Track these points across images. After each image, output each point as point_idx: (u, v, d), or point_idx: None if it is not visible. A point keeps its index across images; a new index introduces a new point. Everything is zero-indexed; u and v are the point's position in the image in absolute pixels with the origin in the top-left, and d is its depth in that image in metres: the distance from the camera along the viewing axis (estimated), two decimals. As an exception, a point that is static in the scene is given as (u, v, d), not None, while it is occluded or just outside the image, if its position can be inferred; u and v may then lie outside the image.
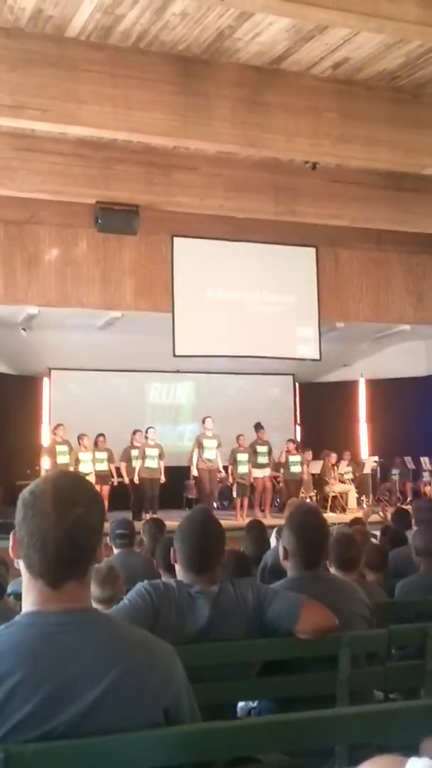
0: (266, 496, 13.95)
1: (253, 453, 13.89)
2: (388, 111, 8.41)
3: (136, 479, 13.09)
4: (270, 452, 14.00)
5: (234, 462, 13.55)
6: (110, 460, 13.43)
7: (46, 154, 9.64)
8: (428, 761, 1.08)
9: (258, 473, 13.84)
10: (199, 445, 13.19)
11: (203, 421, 13.55)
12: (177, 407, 16.84)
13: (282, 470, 14.20)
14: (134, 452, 13.43)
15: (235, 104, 7.94)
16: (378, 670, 2.98)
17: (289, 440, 14.30)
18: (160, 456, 13.28)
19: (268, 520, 10.69)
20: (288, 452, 14.13)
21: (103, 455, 13.37)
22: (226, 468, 13.74)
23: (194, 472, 13.29)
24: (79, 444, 13.12)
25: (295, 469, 14.05)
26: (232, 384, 16.61)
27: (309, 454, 14.88)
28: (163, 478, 13.31)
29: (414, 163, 8.81)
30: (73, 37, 7.34)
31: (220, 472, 13.59)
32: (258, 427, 14.42)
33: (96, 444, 13.39)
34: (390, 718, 2.01)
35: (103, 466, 13.30)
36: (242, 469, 13.49)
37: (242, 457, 13.54)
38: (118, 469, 13.51)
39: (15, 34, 7.20)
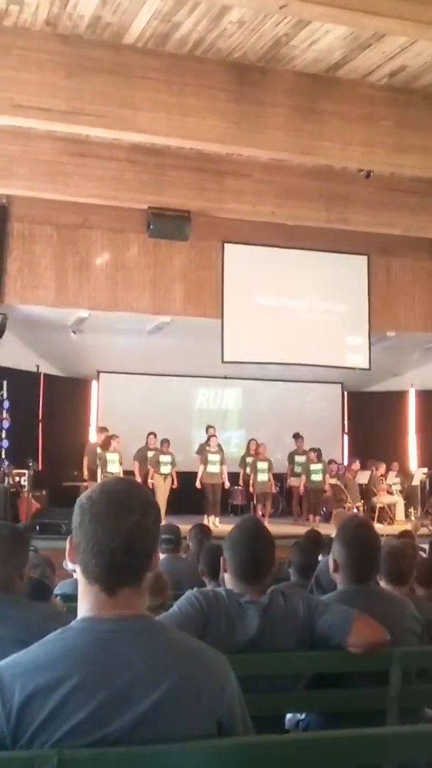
0: (303, 503, 14.38)
1: (291, 462, 14.61)
2: (445, 120, 8.34)
3: (150, 482, 13.14)
4: (308, 463, 14.26)
5: (254, 471, 13.87)
6: (172, 464, 13.54)
7: (99, 160, 9.76)
8: None
9: (294, 482, 14.44)
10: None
11: (206, 431, 13.98)
12: (224, 413, 16.83)
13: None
14: (149, 453, 13.57)
15: (289, 112, 7.94)
16: (429, 688, 2.92)
17: (311, 449, 14.30)
18: (222, 462, 13.46)
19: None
20: (310, 461, 14.23)
21: (168, 458, 13.49)
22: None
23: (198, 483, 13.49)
24: (162, 448, 13.39)
25: (316, 477, 14.14)
26: (280, 391, 16.56)
27: (357, 464, 14.79)
28: (227, 483, 13.61)
29: (470, 172, 8.72)
30: (130, 44, 7.41)
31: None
32: (296, 436, 14.56)
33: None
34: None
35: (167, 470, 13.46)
36: (262, 477, 13.87)
37: (262, 465, 13.93)
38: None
39: (72, 41, 7.29)
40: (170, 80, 7.59)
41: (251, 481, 13.88)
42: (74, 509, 1.75)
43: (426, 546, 6.69)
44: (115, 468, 12.80)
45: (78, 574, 1.74)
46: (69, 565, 1.78)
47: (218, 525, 12.69)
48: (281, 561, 4.95)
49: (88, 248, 11.86)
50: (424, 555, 5.92)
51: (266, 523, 12.52)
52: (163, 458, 13.38)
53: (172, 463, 13.44)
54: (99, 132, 8.05)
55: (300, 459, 14.45)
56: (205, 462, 13.39)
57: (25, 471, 12.06)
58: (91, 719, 1.56)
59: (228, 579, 2.86)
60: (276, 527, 10.87)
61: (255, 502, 13.93)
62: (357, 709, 2.77)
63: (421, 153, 8.34)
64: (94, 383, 16.16)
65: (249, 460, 14.20)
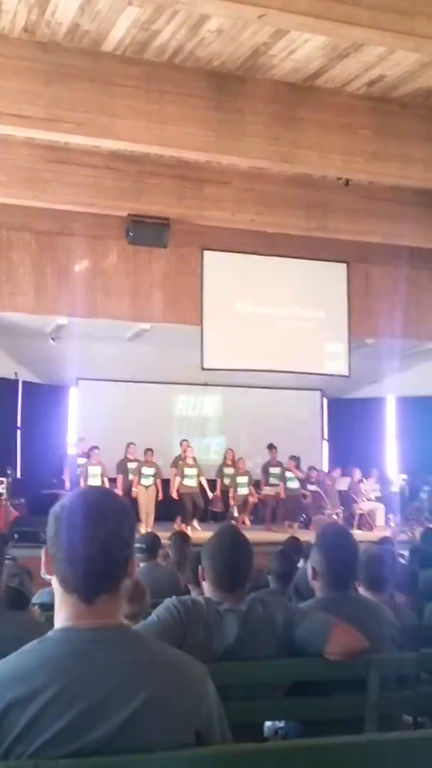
0: (279, 511, 14.48)
1: (266, 473, 14.59)
2: (423, 129, 8.37)
3: (133, 493, 13.19)
4: (282, 473, 14.33)
5: (234, 485, 14.11)
6: (157, 475, 13.56)
7: (78, 167, 9.72)
8: None
9: (269, 491, 14.47)
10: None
11: (180, 444, 14.15)
12: (204, 420, 16.85)
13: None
14: (130, 465, 13.59)
15: (268, 120, 7.95)
16: (408, 694, 2.93)
17: (291, 457, 14.35)
18: (199, 474, 13.60)
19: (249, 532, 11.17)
20: (287, 469, 14.30)
21: (151, 470, 13.48)
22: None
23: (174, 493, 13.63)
24: (145, 458, 13.44)
25: (293, 485, 14.23)
26: (260, 398, 16.57)
27: (338, 471, 14.82)
28: (210, 494, 13.95)
29: (449, 181, 8.77)
30: (108, 51, 7.39)
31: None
32: (270, 447, 14.62)
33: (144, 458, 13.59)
34: (424, 746, 1.98)
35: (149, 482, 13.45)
36: (242, 490, 14.14)
37: (242, 480, 14.17)
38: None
39: (51, 49, 7.26)
40: (149, 88, 7.58)
41: (231, 494, 13.94)
42: (48, 520, 1.74)
43: (405, 552, 6.71)
44: (96, 482, 12.74)
45: (54, 585, 1.73)
46: (47, 576, 1.77)
47: (198, 528, 12.74)
48: (261, 568, 4.95)
49: (66, 255, 11.82)
50: (403, 562, 5.95)
51: (245, 530, 12.69)
52: (145, 470, 13.37)
53: (155, 475, 13.41)
54: (78, 139, 8.02)
55: (274, 471, 14.45)
56: (182, 475, 13.41)
57: (4, 479, 12.00)
58: (68, 730, 1.55)
59: (207, 587, 2.86)
60: (255, 534, 10.87)
61: (235, 510, 13.95)
62: (336, 717, 2.77)
63: (399, 162, 8.38)
64: (73, 390, 16.11)
65: (228, 471, 14.24)
